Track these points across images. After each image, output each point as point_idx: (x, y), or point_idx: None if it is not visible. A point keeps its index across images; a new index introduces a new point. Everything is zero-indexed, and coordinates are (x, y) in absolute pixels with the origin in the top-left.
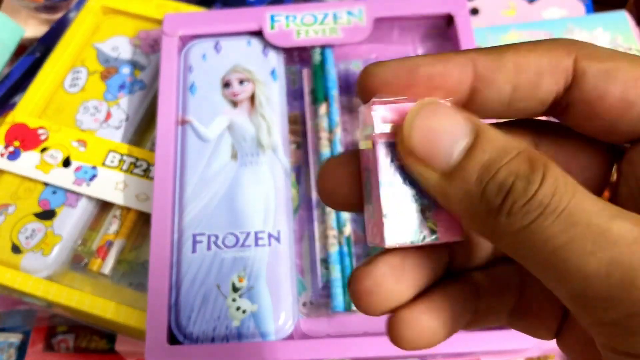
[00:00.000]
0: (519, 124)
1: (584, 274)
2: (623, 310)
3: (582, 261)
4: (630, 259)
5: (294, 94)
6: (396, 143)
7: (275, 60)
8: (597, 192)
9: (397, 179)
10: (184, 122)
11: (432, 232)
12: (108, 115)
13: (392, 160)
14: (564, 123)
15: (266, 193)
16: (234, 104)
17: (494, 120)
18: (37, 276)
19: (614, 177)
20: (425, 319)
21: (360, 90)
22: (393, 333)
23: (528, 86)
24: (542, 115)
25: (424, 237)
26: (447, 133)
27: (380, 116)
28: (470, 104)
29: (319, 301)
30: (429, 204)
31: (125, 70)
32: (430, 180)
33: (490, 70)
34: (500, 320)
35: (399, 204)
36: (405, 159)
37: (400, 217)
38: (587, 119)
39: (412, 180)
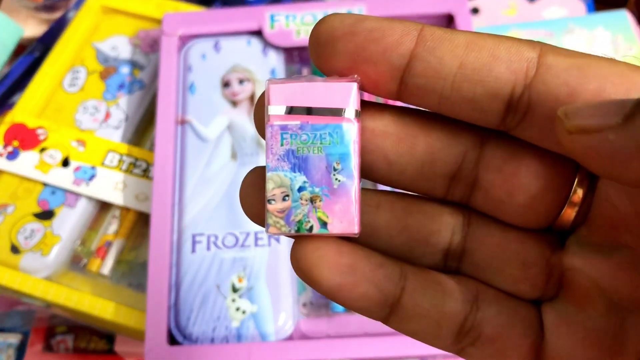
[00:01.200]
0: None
1: None
2: None
3: None
4: None
5: None
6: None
7: (275, 60)
8: (556, 210)
9: (287, 164)
10: (183, 122)
11: (323, 223)
12: (107, 115)
13: (282, 144)
14: (518, 136)
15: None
16: (234, 103)
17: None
18: (36, 276)
19: (578, 194)
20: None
21: (311, 37)
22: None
23: (479, 66)
24: (490, 123)
25: (311, 228)
26: (609, 101)
27: (277, 96)
28: (407, 74)
29: (318, 302)
30: (320, 193)
31: (125, 69)
32: (600, 142)
33: (437, 40)
34: None
35: (284, 190)
36: (571, 142)
37: (286, 204)
38: (552, 124)
39: (304, 167)
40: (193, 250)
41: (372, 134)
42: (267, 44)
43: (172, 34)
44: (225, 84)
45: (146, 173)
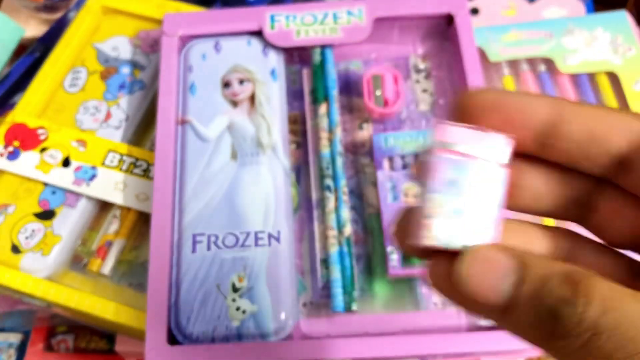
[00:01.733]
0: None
1: None
2: None
3: None
4: None
5: (294, 94)
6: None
7: (275, 60)
8: None
9: (446, 189)
10: (183, 122)
11: (468, 237)
12: (108, 115)
13: (443, 174)
14: (623, 185)
15: (266, 193)
16: (234, 103)
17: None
18: (36, 276)
19: None
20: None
21: (458, 106)
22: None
23: (602, 135)
24: (603, 174)
25: (459, 242)
26: (496, 273)
27: (445, 133)
28: (545, 138)
29: (319, 301)
30: (470, 212)
31: (125, 70)
32: (491, 316)
33: (571, 112)
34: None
35: (442, 209)
36: (462, 302)
37: (441, 221)
38: None
39: (458, 192)
40: (193, 250)
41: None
42: (268, 44)
43: (173, 34)
44: (226, 84)
45: (146, 173)
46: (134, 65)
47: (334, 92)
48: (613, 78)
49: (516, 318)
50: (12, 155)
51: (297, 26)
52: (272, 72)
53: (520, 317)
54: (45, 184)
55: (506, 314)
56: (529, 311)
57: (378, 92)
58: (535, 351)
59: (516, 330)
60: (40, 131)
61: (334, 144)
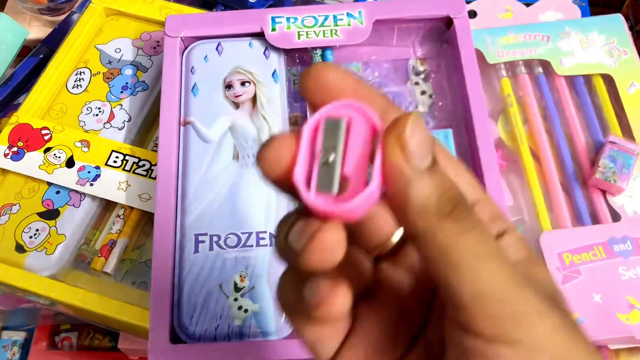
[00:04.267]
0: None
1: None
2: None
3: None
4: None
5: (295, 96)
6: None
7: (277, 62)
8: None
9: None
10: (186, 123)
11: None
12: (111, 116)
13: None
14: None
15: (268, 193)
16: (236, 105)
17: None
18: (41, 275)
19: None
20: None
21: (305, 83)
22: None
23: None
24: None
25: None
26: (426, 143)
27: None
28: None
29: None
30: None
31: (128, 71)
32: (404, 172)
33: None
34: None
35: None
36: (393, 150)
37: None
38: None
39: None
40: (196, 250)
41: None
42: (269, 46)
43: (175, 36)
44: (228, 86)
45: (149, 173)
46: (137, 66)
47: None
48: (608, 80)
49: (422, 184)
50: (17, 156)
51: (298, 28)
52: (274, 74)
53: (426, 186)
54: (49, 184)
55: (418, 178)
56: (435, 184)
57: (330, 158)
58: None
59: (413, 195)
60: (44, 132)
61: None
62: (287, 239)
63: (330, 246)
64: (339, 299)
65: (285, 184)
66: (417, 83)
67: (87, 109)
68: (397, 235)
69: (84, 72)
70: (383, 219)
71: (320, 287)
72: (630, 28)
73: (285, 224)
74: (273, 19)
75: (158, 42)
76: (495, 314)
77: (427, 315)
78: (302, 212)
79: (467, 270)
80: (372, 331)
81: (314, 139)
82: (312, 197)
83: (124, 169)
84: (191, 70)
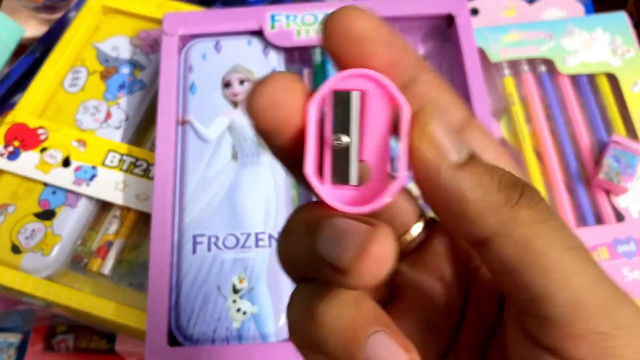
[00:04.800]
0: None
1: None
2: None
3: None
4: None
5: None
6: (409, 132)
7: (276, 60)
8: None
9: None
10: (184, 122)
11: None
12: (108, 115)
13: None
14: None
15: (267, 194)
16: (235, 104)
17: None
18: (37, 276)
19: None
20: None
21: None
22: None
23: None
24: None
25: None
26: (457, 136)
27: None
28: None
29: None
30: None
31: (125, 70)
32: (442, 168)
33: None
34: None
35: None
36: (423, 148)
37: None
38: None
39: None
40: (194, 251)
41: None
42: (268, 44)
43: (173, 34)
44: (226, 85)
45: (147, 173)
46: (134, 65)
47: None
48: (612, 79)
49: (470, 177)
50: (12, 155)
51: (297, 26)
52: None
53: (475, 177)
54: (46, 184)
55: (460, 171)
56: (486, 173)
57: (343, 142)
58: None
59: (467, 190)
60: (40, 131)
61: None
62: (315, 247)
63: (387, 259)
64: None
65: (281, 143)
66: None
67: (84, 108)
68: (417, 228)
69: (80, 71)
70: (400, 207)
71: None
72: (635, 26)
73: (306, 225)
74: (272, 16)
75: (156, 40)
76: (597, 331)
77: (457, 329)
78: (323, 205)
79: (560, 272)
80: None
81: (321, 119)
82: (328, 193)
83: (121, 169)
84: (189, 69)
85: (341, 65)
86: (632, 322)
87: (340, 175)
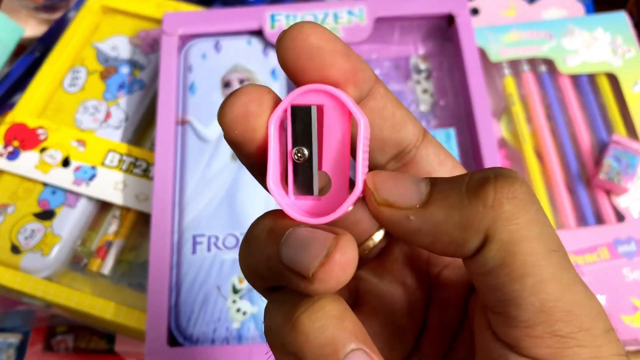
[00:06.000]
0: None
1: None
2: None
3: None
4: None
5: None
6: (368, 201)
7: (276, 60)
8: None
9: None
10: (183, 122)
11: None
12: (107, 115)
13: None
14: None
15: (266, 194)
16: None
17: None
18: (36, 276)
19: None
20: None
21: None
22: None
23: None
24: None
25: None
26: (409, 181)
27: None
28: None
29: None
30: None
31: (125, 69)
32: (402, 218)
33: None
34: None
35: None
36: (378, 211)
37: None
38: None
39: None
40: (194, 252)
41: None
42: (268, 44)
43: (173, 33)
44: (226, 84)
45: (146, 173)
46: (134, 64)
47: None
48: (612, 79)
49: (439, 207)
50: (12, 155)
51: None
52: (273, 72)
53: (445, 203)
54: (45, 184)
55: (425, 209)
56: (457, 193)
57: (305, 155)
58: None
59: (439, 222)
60: (39, 131)
61: None
62: (279, 255)
63: (350, 265)
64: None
65: (250, 153)
66: (418, 81)
67: (83, 108)
68: (379, 235)
69: (80, 71)
70: (361, 214)
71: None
72: (635, 25)
73: (269, 234)
74: (272, 16)
75: (155, 39)
76: (558, 334)
77: (421, 332)
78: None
79: (535, 277)
80: None
81: (281, 132)
82: (290, 204)
83: (120, 169)
84: (189, 69)
85: (299, 81)
86: (591, 325)
87: (302, 187)
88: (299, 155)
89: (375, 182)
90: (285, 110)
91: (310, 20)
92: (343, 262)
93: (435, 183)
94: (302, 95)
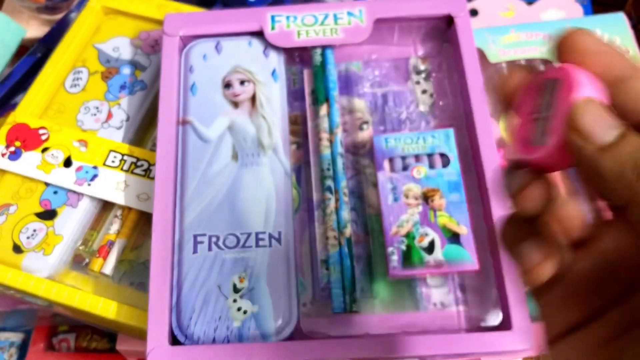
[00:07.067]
0: None
1: None
2: None
3: None
4: None
5: (295, 95)
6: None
7: (276, 61)
8: None
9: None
10: (184, 123)
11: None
12: (109, 116)
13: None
14: None
15: (267, 194)
16: (235, 104)
17: None
18: (38, 276)
19: None
20: None
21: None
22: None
23: None
24: None
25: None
26: (607, 120)
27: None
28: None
29: (319, 302)
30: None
31: (126, 70)
32: (587, 151)
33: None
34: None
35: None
36: (570, 132)
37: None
38: None
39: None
40: (195, 251)
41: None
42: (268, 45)
43: (174, 34)
44: (227, 85)
45: (148, 173)
46: (135, 65)
47: (335, 93)
48: None
49: (611, 158)
50: (14, 155)
51: (297, 27)
52: (273, 73)
53: (616, 158)
54: (47, 184)
55: (603, 153)
56: (627, 154)
57: (544, 114)
58: (533, 352)
59: (607, 171)
60: (41, 131)
61: (334, 145)
62: (508, 187)
63: (535, 197)
64: (543, 272)
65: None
66: (418, 82)
67: (85, 109)
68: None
69: (81, 71)
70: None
71: (528, 256)
72: (633, 27)
73: (508, 176)
74: (273, 17)
75: (156, 40)
76: None
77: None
78: (516, 165)
79: None
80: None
81: (533, 95)
82: (522, 150)
83: (122, 169)
84: (190, 69)
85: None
86: None
87: (540, 138)
88: (542, 114)
89: (584, 107)
90: (537, 81)
91: (580, 29)
92: (529, 193)
93: (626, 135)
94: (552, 72)
